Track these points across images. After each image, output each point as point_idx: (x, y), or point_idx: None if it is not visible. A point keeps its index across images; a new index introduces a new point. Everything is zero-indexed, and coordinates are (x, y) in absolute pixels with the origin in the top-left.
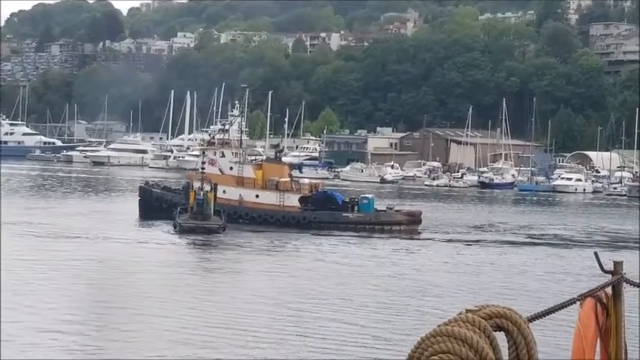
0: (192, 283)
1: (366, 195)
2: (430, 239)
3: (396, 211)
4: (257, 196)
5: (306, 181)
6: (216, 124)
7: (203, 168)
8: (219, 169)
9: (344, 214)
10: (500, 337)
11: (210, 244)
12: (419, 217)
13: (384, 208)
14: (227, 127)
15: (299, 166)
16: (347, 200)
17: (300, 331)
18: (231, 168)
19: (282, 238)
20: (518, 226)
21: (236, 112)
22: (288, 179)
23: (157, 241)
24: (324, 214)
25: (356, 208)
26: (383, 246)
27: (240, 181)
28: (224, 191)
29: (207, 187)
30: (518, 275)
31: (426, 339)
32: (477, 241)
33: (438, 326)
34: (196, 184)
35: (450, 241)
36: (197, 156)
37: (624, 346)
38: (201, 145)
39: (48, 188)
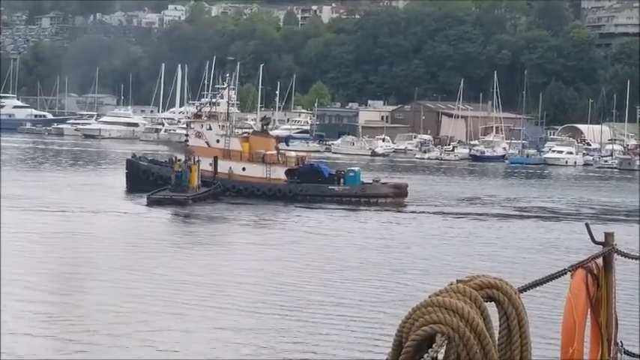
0: (155, 258)
1: (353, 168)
2: (416, 212)
3: (383, 183)
4: (244, 168)
5: (293, 153)
6: (207, 97)
7: (187, 140)
8: (206, 142)
9: (330, 187)
10: (491, 308)
11: (186, 216)
12: (405, 189)
13: (371, 181)
14: (213, 99)
15: (286, 139)
16: (333, 173)
17: (283, 307)
18: (217, 141)
19: (265, 211)
20: (508, 198)
21: (225, 84)
22: (274, 152)
23: (121, 213)
24: (310, 186)
25: (342, 180)
26: (368, 219)
27: (227, 154)
28: (210, 164)
29: (190, 160)
30: (507, 248)
31: (416, 309)
32: (464, 213)
33: (429, 297)
34: (180, 157)
35: (436, 213)
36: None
37: (614, 317)
38: (188, 118)
39: (38, 161)
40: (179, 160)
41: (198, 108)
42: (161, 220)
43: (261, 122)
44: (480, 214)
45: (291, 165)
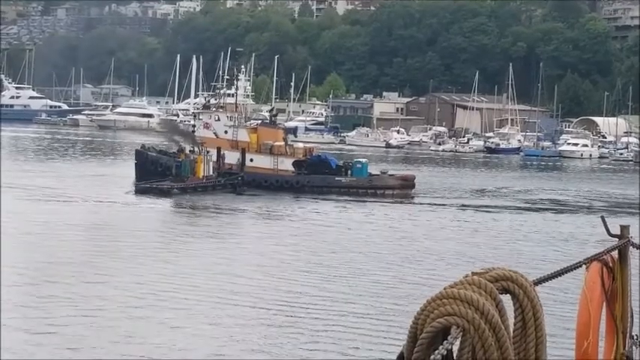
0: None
1: (360, 159)
2: (422, 204)
3: (390, 175)
4: (251, 160)
5: (301, 145)
6: (227, 89)
7: (193, 131)
8: (214, 133)
9: (337, 179)
10: (507, 301)
11: (164, 206)
12: (412, 181)
13: (378, 173)
14: (222, 90)
15: (294, 130)
16: (341, 164)
17: (293, 301)
18: (225, 132)
19: (261, 203)
20: (520, 190)
21: (242, 76)
22: (282, 143)
23: (102, 202)
24: (317, 178)
25: (349, 172)
26: (376, 211)
27: (235, 145)
28: (222, 155)
29: (195, 150)
30: (521, 241)
31: (432, 301)
32: (473, 205)
33: (444, 289)
34: (187, 148)
35: (442, 205)
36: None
37: (630, 310)
38: (196, 109)
39: (53, 152)
40: (190, 151)
41: (207, 99)
42: (128, 210)
43: (269, 113)
44: (489, 207)
45: (299, 156)
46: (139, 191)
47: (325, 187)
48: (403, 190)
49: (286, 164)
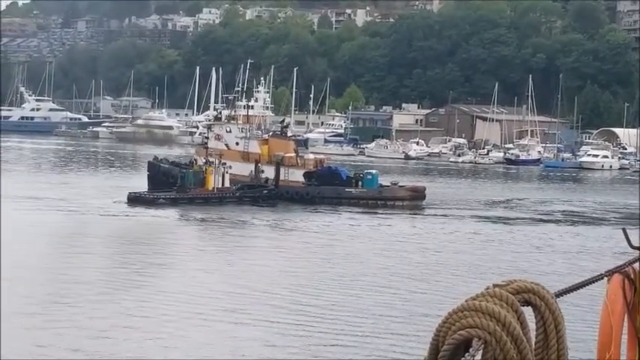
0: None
1: (370, 171)
2: (432, 215)
3: (400, 186)
4: (262, 171)
5: (311, 156)
6: (241, 101)
7: (206, 143)
8: (226, 145)
9: (347, 190)
10: (528, 313)
11: (179, 219)
12: (422, 192)
13: (389, 184)
14: (235, 102)
15: (305, 142)
16: (351, 176)
17: (310, 313)
18: (237, 143)
19: (275, 214)
20: (538, 202)
21: (261, 88)
22: (293, 154)
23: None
24: (327, 189)
25: (360, 183)
26: (386, 222)
27: (246, 156)
28: (230, 166)
29: (201, 162)
30: (533, 253)
31: (453, 313)
32: (483, 217)
33: (466, 301)
34: (200, 160)
35: (452, 216)
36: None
37: None
38: (209, 120)
39: (72, 163)
40: (205, 163)
41: (218, 111)
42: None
43: (280, 124)
44: (502, 218)
45: (310, 167)
46: (130, 200)
47: (335, 198)
48: (413, 201)
49: (297, 175)
